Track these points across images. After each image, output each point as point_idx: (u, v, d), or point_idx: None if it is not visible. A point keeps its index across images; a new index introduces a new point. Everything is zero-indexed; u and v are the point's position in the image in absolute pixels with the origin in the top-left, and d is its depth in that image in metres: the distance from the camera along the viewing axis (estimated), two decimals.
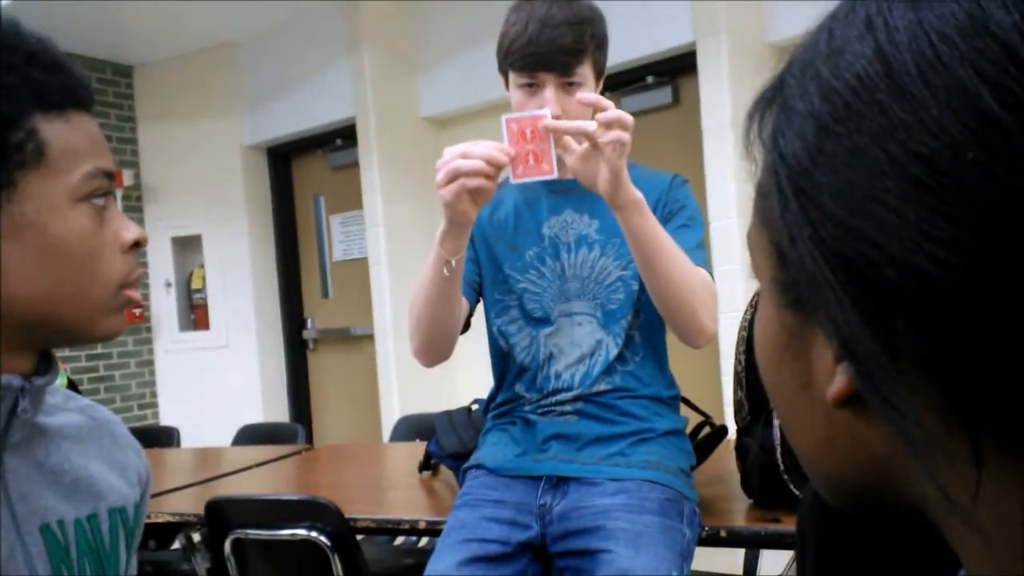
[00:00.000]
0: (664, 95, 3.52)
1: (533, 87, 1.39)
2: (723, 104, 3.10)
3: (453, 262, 1.30)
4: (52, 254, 0.69)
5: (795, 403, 0.35)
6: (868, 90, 0.29)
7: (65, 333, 0.72)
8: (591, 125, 1.23)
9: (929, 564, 0.46)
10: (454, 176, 1.21)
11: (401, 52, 4.08)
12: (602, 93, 1.49)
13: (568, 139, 1.26)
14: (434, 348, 1.43)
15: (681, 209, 1.46)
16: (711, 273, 1.43)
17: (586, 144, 1.25)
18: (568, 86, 1.38)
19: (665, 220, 1.44)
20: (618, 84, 3.56)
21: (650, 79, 3.52)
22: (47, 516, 0.72)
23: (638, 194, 1.27)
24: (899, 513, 0.35)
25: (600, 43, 1.42)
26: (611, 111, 1.22)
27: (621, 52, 3.36)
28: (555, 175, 1.26)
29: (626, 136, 1.22)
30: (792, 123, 0.32)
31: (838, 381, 0.32)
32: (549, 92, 1.37)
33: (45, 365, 0.73)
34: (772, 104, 0.35)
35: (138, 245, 0.75)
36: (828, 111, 0.31)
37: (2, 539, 0.67)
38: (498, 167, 1.22)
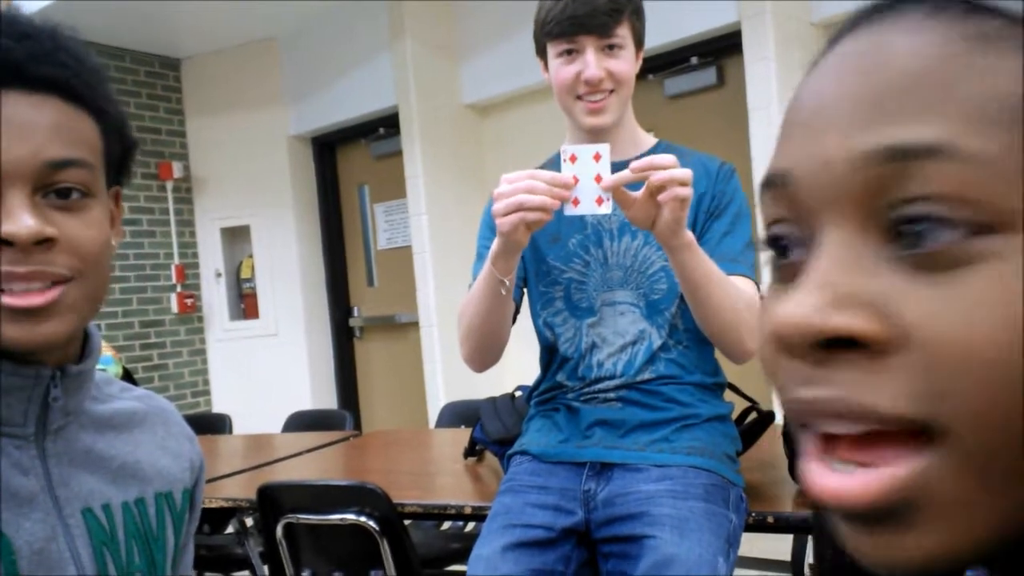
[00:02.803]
0: (708, 76, 3.47)
1: (573, 53, 1.38)
2: (769, 84, 3.05)
3: (507, 281, 1.33)
4: None
5: None
6: None
7: None
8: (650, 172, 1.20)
9: None
10: (516, 208, 1.21)
11: (442, 40, 4.09)
12: (642, 75, 1.48)
13: (623, 191, 1.23)
14: (485, 356, 1.47)
15: (729, 204, 1.44)
16: (757, 275, 1.42)
17: (641, 193, 1.22)
18: (608, 49, 1.37)
19: (711, 215, 1.43)
20: (662, 66, 3.52)
21: (694, 60, 3.47)
22: (91, 500, 0.73)
23: (690, 236, 1.26)
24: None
25: (637, 9, 1.42)
26: (663, 174, 1.18)
27: (664, 33, 3.32)
28: (609, 212, 1.25)
29: (686, 192, 1.19)
30: None
31: None
32: (590, 55, 1.36)
33: (83, 352, 0.74)
34: None
35: (16, 243, 0.63)
36: None
37: (43, 522, 0.69)
38: (560, 200, 1.22)
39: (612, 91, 1.40)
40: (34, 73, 0.65)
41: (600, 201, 1.23)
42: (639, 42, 1.43)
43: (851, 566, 0.53)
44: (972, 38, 0.29)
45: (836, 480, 0.29)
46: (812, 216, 0.31)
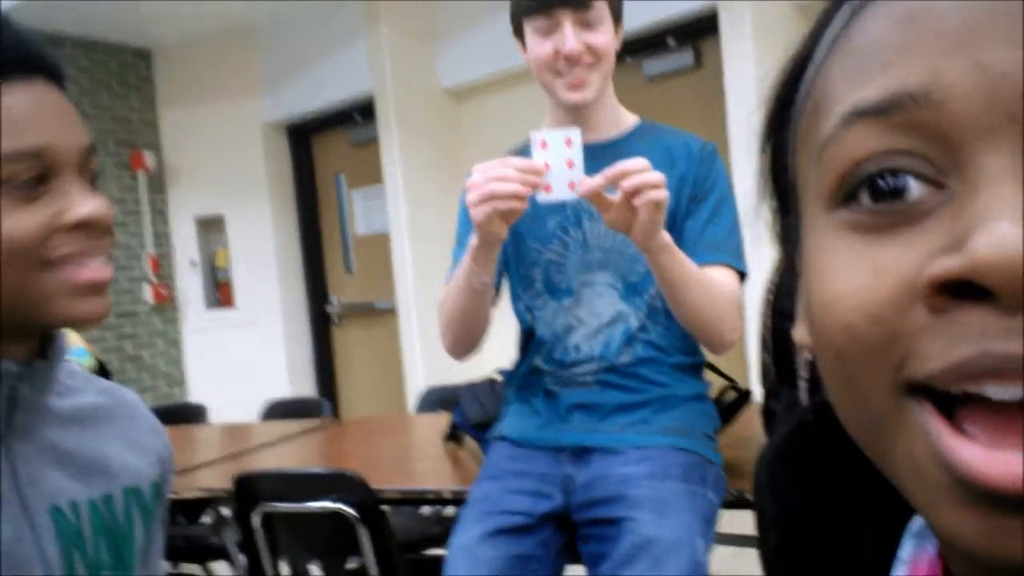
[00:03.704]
0: (686, 58, 3.46)
1: (550, 29, 1.36)
2: (747, 65, 3.05)
3: (487, 275, 1.32)
4: None
5: None
6: None
7: (20, 323, 0.68)
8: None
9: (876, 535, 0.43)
10: (488, 198, 1.20)
11: (418, 25, 4.05)
12: (620, 57, 1.46)
13: (605, 195, 1.21)
14: (466, 345, 1.47)
15: (712, 188, 1.42)
16: (742, 263, 1.41)
17: (618, 198, 1.20)
18: (586, 23, 1.35)
19: (693, 198, 1.41)
20: (640, 48, 3.50)
21: (671, 42, 3.46)
22: (58, 498, 0.71)
23: (667, 238, 1.25)
24: None
25: None
26: (635, 179, 1.17)
27: (642, 15, 3.30)
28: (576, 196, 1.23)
29: (660, 195, 1.18)
30: None
31: None
32: (567, 29, 1.34)
33: (49, 349, 0.73)
34: None
35: (88, 225, 0.67)
36: None
37: (10, 523, 0.67)
38: (532, 188, 1.20)
39: (592, 66, 1.38)
40: (52, 62, 0.69)
41: (572, 186, 1.21)
42: (617, 17, 1.41)
43: (795, 549, 0.51)
44: None
45: (1005, 460, 0.25)
46: (965, 143, 0.27)
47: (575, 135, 1.21)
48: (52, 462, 0.72)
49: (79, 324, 0.70)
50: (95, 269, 0.68)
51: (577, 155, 1.21)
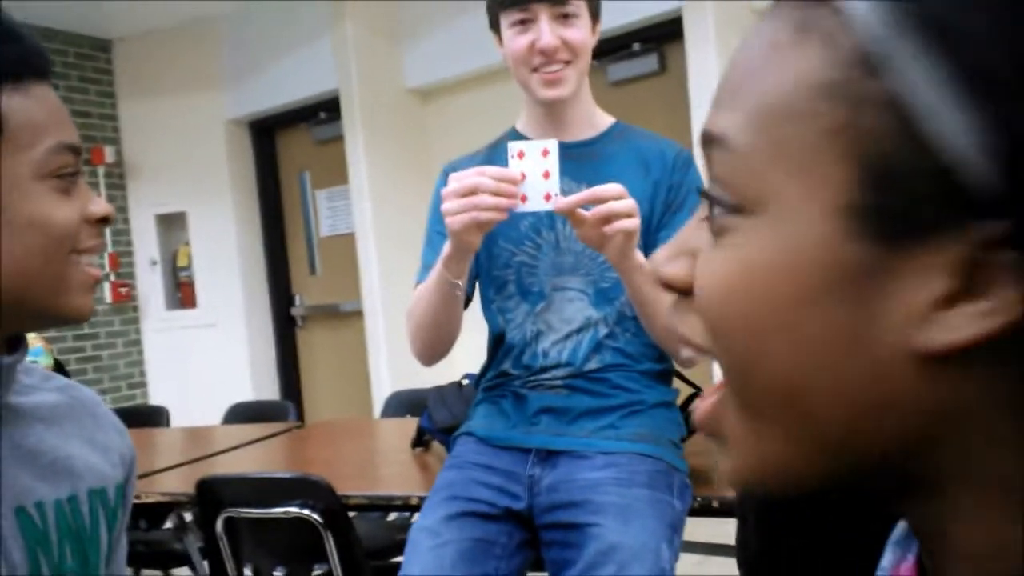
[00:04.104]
0: (650, 62, 3.49)
1: (526, 23, 1.36)
2: (710, 70, 3.08)
3: (460, 283, 1.32)
4: (19, 233, 0.66)
5: (830, 360, 0.29)
6: None
7: (34, 313, 0.70)
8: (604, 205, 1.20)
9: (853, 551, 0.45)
10: (469, 208, 1.20)
11: (384, 23, 4.02)
12: (596, 56, 1.47)
13: (579, 211, 1.22)
14: (435, 351, 1.47)
15: (687, 196, 1.43)
16: None
17: (591, 217, 1.21)
18: (563, 18, 1.36)
19: (668, 207, 1.43)
20: (604, 52, 3.51)
21: (636, 46, 3.49)
22: (23, 499, 0.70)
23: (640, 258, 1.26)
24: (872, 491, 0.32)
25: None
26: (605, 208, 1.19)
27: (606, 19, 3.30)
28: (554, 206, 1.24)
29: (632, 224, 1.20)
30: None
31: (961, 325, 0.26)
32: (544, 23, 1.35)
33: (14, 344, 0.72)
34: None
35: (106, 221, 0.72)
36: None
37: None
38: (511, 199, 1.21)
39: (568, 62, 1.38)
40: (42, 66, 0.71)
41: (548, 197, 1.22)
42: (595, 14, 1.42)
43: (776, 555, 0.53)
44: (799, 29, 0.29)
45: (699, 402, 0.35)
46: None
47: (552, 146, 1.22)
48: (16, 461, 0.71)
49: (81, 318, 0.73)
50: (96, 267, 0.73)
51: (553, 166, 1.21)
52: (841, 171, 0.28)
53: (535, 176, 1.21)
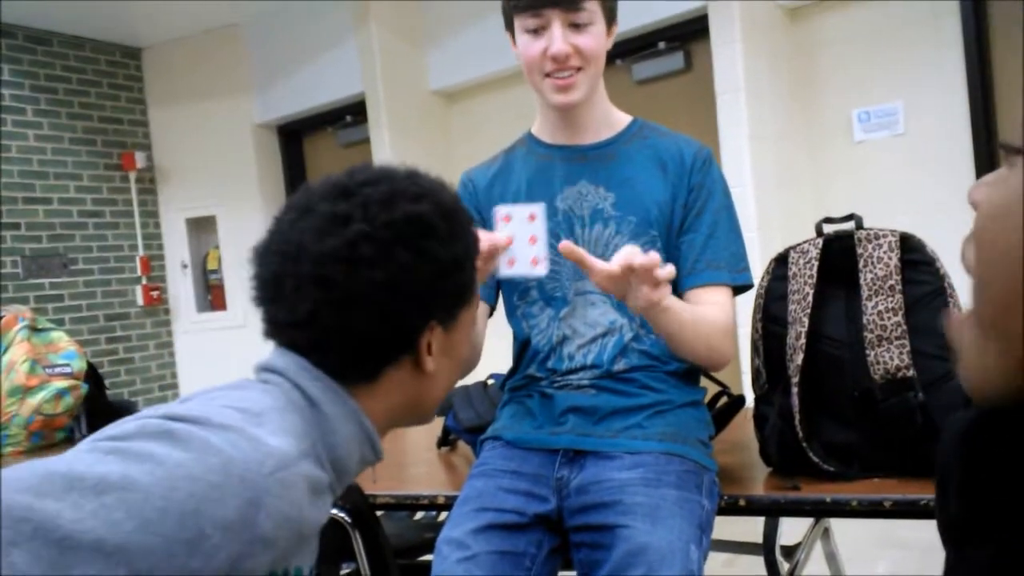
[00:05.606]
0: (676, 60, 3.47)
1: (539, 29, 1.36)
2: (736, 68, 3.06)
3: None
4: (455, 361, 0.97)
5: None
6: None
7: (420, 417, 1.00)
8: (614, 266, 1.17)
9: None
10: None
11: (408, 26, 4.04)
12: (610, 60, 1.47)
13: (590, 260, 1.20)
14: (464, 372, 1.46)
15: (708, 198, 1.42)
16: (745, 274, 1.42)
17: (615, 270, 1.19)
18: (576, 24, 1.35)
19: (689, 210, 1.42)
20: (630, 51, 3.51)
21: (661, 45, 3.47)
22: None
23: (665, 302, 1.23)
24: None
25: None
26: (641, 276, 1.17)
27: (632, 18, 3.31)
28: (545, 273, 1.23)
29: (659, 295, 1.18)
30: None
31: None
32: (556, 30, 1.34)
33: None
34: None
35: None
36: None
37: None
38: (493, 255, 1.21)
39: (580, 68, 1.38)
40: None
41: (535, 262, 1.21)
42: (611, 19, 1.41)
43: (977, 520, 0.52)
44: None
45: None
46: None
47: (539, 210, 1.21)
48: None
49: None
50: None
51: (541, 230, 1.21)
52: None
53: (521, 240, 1.21)
